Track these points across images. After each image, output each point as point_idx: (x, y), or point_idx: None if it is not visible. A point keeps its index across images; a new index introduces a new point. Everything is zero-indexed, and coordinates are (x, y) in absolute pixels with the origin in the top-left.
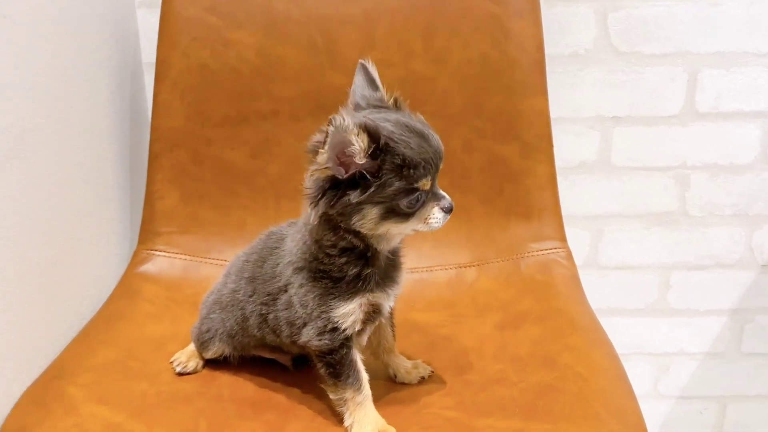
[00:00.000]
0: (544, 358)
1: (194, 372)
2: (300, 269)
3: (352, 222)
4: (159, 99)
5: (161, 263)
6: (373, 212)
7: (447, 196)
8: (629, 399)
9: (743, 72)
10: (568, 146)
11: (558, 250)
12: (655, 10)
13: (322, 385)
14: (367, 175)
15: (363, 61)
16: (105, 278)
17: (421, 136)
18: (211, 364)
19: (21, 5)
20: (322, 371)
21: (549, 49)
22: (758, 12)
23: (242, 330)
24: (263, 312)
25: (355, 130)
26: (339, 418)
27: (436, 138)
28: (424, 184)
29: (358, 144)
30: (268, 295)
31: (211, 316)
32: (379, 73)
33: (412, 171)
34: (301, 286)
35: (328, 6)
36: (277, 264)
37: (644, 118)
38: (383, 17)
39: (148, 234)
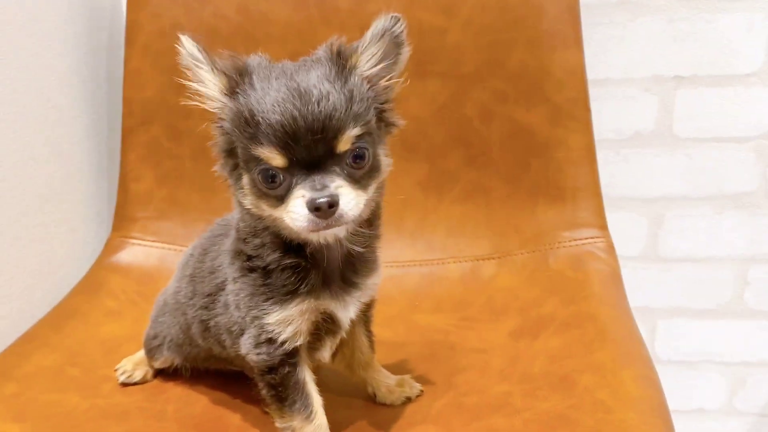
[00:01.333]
0: (561, 379)
1: (142, 382)
2: (236, 255)
3: (236, 190)
4: (129, 66)
5: (135, 252)
6: (245, 180)
7: (328, 191)
8: None
9: None
10: (619, 114)
11: (596, 240)
12: None
13: (266, 410)
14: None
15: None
16: (71, 269)
17: (296, 92)
18: (163, 374)
19: None
20: (263, 393)
21: None
22: None
23: (187, 338)
24: (204, 318)
25: (208, 65)
26: None
27: (323, 103)
28: (268, 156)
29: (211, 82)
30: (207, 296)
31: (160, 319)
32: None
33: (251, 131)
34: (234, 281)
35: None
36: (218, 255)
37: (714, 77)
38: None
39: (122, 220)
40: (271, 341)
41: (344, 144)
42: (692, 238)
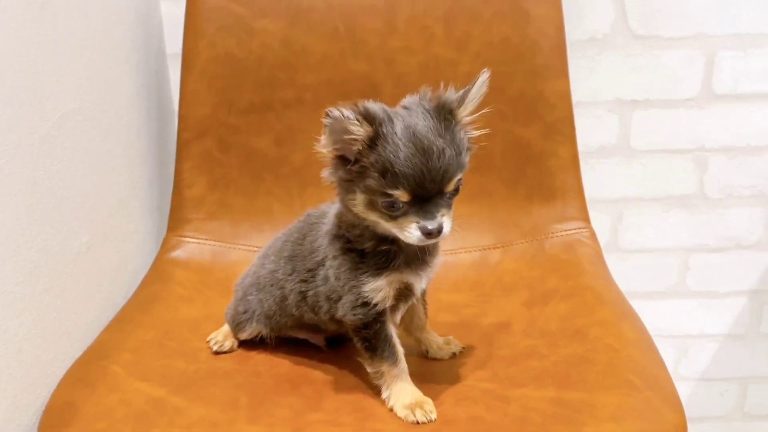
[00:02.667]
0: (574, 332)
1: (230, 351)
2: (335, 238)
3: (347, 199)
4: (186, 88)
5: (191, 249)
6: (360, 198)
7: (437, 221)
8: (661, 368)
9: (760, 54)
10: (588, 130)
11: (582, 230)
12: None
13: (359, 359)
14: (360, 159)
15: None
16: (136, 264)
17: (422, 150)
18: (245, 344)
19: None
20: (358, 345)
21: (567, 35)
22: None
23: (280, 310)
24: (302, 290)
25: (354, 119)
26: (375, 392)
27: (443, 161)
28: (400, 195)
29: (358, 131)
30: (308, 271)
31: (248, 297)
32: (400, 60)
33: (389, 177)
34: (334, 258)
35: None
36: (317, 238)
37: (662, 101)
38: (404, 4)
39: (177, 221)
40: (365, 304)
41: (450, 186)
42: (645, 232)
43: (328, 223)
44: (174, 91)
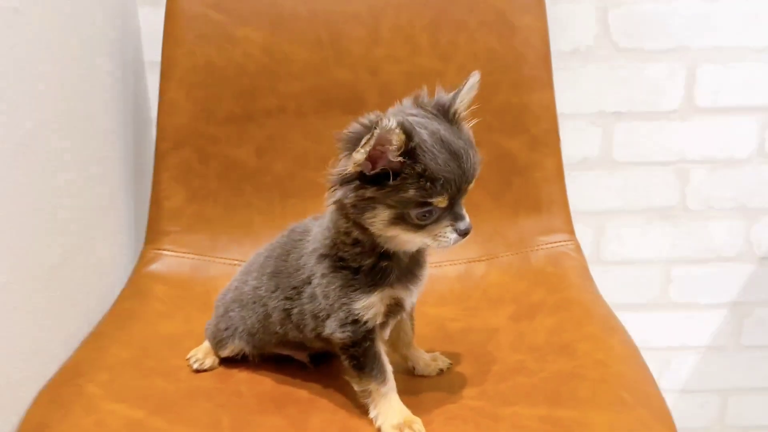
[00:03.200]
0: (562, 347)
1: (211, 369)
2: (323, 257)
3: (364, 217)
4: (165, 97)
5: (169, 262)
6: (384, 214)
7: (467, 219)
8: (651, 385)
9: (741, 67)
10: (571, 142)
11: (567, 242)
12: (654, 6)
13: (346, 377)
14: (391, 174)
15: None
16: (112, 278)
17: (453, 154)
18: (226, 361)
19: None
20: (346, 363)
21: (550, 46)
22: (755, 7)
23: (263, 327)
24: (287, 307)
25: (397, 129)
26: (362, 410)
27: (471, 161)
28: (440, 201)
29: (395, 141)
30: (293, 288)
31: (230, 314)
32: (385, 68)
33: (429, 184)
34: (323, 276)
35: (334, 2)
36: (301, 256)
37: (644, 113)
38: (388, 12)
39: (155, 233)
40: (355, 322)
41: (472, 186)
42: (627, 244)
43: (314, 241)
44: (152, 100)
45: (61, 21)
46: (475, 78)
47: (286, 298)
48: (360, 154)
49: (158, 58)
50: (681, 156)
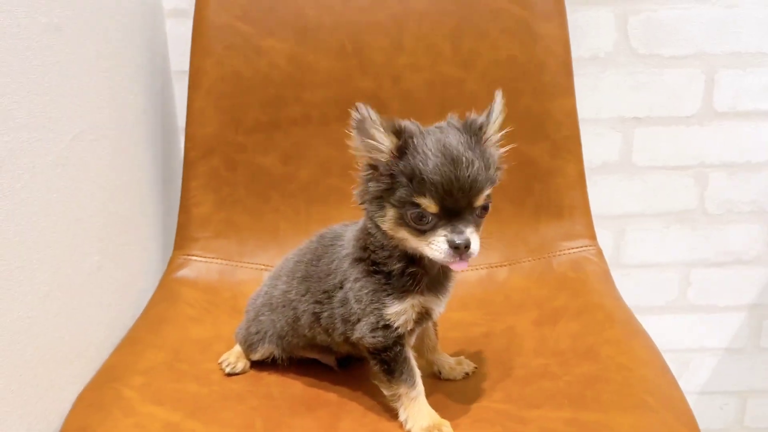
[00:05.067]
0: (586, 351)
1: (242, 372)
2: (357, 261)
3: (377, 216)
4: (193, 107)
5: (198, 268)
6: (390, 213)
7: (465, 236)
8: (674, 388)
9: (759, 72)
10: (591, 147)
11: (589, 247)
12: (673, 13)
13: (375, 382)
14: (390, 168)
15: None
16: (143, 283)
17: (451, 159)
18: (256, 365)
19: (69, 17)
20: (376, 368)
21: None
22: None
23: (292, 330)
24: (317, 311)
25: (380, 126)
26: (391, 414)
27: (471, 170)
28: (427, 205)
29: (383, 140)
30: (324, 292)
31: (260, 318)
32: (408, 77)
33: (416, 184)
34: (356, 280)
35: (358, 12)
36: (333, 260)
37: (663, 118)
38: (411, 22)
39: (184, 239)
40: (387, 327)
41: (480, 201)
42: (646, 247)
43: (347, 246)
44: (179, 109)
45: (96, 36)
46: (499, 98)
47: (316, 302)
48: (352, 139)
49: (184, 68)
50: (700, 160)
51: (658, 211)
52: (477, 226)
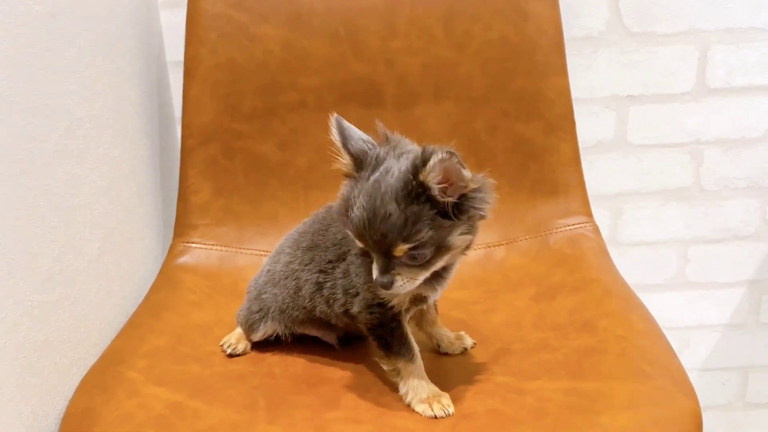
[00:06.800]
0: (584, 325)
1: (243, 354)
2: None
3: None
4: (189, 95)
5: (198, 255)
6: None
7: (387, 276)
8: (672, 356)
9: (752, 47)
10: (585, 126)
11: (585, 224)
12: None
13: (375, 358)
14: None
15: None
16: (144, 270)
17: (370, 208)
18: (257, 346)
19: (62, 7)
20: (374, 344)
21: (563, 33)
22: None
23: (293, 302)
24: (320, 280)
25: (341, 146)
26: (392, 388)
27: (383, 224)
28: (353, 239)
29: (344, 158)
30: (329, 262)
31: (263, 296)
32: (402, 60)
33: (346, 215)
34: (357, 255)
35: None
36: (340, 230)
37: (657, 96)
38: (404, 5)
39: (183, 227)
40: (381, 305)
41: (398, 252)
42: (644, 225)
43: None
44: (175, 98)
45: (90, 24)
46: (436, 158)
47: (320, 271)
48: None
49: (179, 58)
50: (695, 137)
51: (655, 189)
52: (407, 267)
